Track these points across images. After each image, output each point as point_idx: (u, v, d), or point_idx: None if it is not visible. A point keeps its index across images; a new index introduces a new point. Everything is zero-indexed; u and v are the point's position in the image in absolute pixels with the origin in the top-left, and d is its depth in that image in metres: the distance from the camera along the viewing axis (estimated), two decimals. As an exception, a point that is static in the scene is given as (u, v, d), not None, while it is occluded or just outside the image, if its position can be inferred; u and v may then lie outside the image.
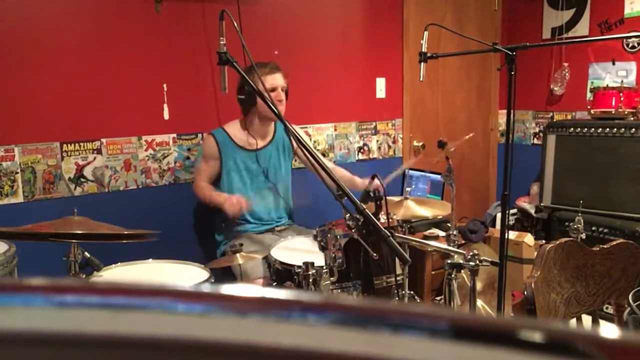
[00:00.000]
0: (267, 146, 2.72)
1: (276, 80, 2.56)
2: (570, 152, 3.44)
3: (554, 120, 3.99)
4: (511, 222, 3.71)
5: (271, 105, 1.70)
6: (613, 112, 3.31)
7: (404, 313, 0.35)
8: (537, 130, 4.19)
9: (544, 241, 3.17)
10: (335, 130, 3.51)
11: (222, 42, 1.68)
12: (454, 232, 2.28)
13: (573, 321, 1.66)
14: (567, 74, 3.89)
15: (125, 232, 1.90)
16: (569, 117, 3.92)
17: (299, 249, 2.27)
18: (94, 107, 2.66)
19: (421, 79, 2.23)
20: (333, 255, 1.80)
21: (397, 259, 1.91)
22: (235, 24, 1.67)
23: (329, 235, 1.80)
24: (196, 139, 2.97)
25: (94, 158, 2.69)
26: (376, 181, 1.97)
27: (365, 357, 0.32)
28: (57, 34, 2.53)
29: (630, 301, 1.70)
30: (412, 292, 2.27)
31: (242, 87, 2.51)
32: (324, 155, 3.44)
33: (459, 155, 3.88)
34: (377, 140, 3.72)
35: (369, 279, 1.97)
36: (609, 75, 3.70)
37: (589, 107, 3.47)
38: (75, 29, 2.58)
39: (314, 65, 3.32)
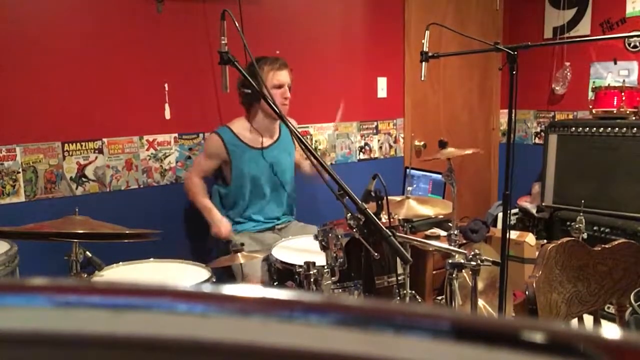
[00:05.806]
0: (274, 144, 2.73)
1: (284, 76, 2.60)
2: (571, 152, 3.44)
3: (556, 119, 3.99)
4: (513, 222, 3.71)
5: (274, 106, 1.70)
6: (615, 112, 3.31)
7: (405, 313, 0.34)
8: (538, 129, 4.19)
9: (545, 241, 3.17)
10: (337, 129, 3.51)
11: (223, 42, 1.68)
12: (455, 232, 2.28)
13: (574, 321, 1.66)
14: (568, 74, 3.89)
15: (127, 232, 1.91)
16: (571, 116, 3.92)
17: (300, 249, 2.27)
18: (96, 107, 2.66)
19: (422, 79, 2.22)
20: (334, 254, 1.80)
21: (398, 259, 1.91)
22: (237, 24, 1.66)
23: (330, 234, 1.79)
24: (197, 138, 2.97)
25: (96, 157, 2.69)
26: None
27: (367, 358, 0.32)
28: (58, 34, 2.53)
29: (632, 301, 1.69)
30: (413, 291, 2.26)
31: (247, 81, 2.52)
32: (324, 154, 3.44)
33: (460, 155, 3.88)
34: (379, 140, 3.71)
35: (370, 278, 1.97)
36: (611, 74, 3.69)
37: (590, 106, 3.46)
38: (77, 29, 2.58)
39: (315, 65, 3.32)
